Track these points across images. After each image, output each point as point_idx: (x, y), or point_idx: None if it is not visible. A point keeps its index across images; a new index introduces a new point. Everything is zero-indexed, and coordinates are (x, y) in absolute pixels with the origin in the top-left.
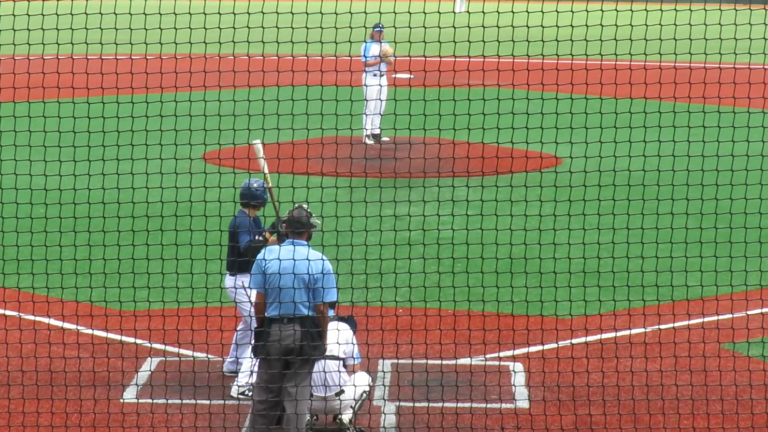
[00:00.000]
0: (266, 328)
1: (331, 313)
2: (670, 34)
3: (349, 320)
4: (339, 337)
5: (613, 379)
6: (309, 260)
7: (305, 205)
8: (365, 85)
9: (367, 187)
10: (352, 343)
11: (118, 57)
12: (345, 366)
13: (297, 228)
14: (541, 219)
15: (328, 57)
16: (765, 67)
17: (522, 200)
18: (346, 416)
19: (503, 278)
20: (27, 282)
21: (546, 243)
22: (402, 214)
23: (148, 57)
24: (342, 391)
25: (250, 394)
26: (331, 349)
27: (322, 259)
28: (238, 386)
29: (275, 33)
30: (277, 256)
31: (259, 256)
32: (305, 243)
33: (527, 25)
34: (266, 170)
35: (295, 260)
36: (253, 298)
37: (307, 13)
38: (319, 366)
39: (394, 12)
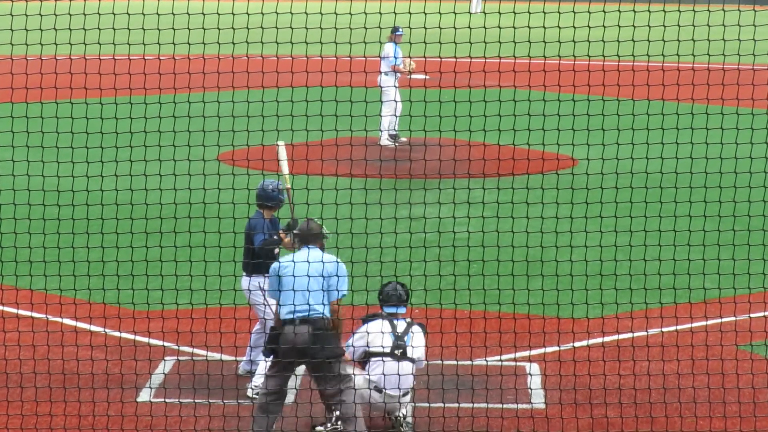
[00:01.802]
0: (280, 329)
1: (401, 309)
2: (687, 35)
3: (420, 325)
4: (414, 340)
5: (630, 380)
6: (324, 262)
7: (315, 219)
8: (382, 86)
9: (383, 188)
10: (426, 345)
11: (131, 57)
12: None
13: (309, 241)
14: (557, 221)
15: (342, 58)
16: None
17: (538, 202)
18: (402, 412)
19: (519, 280)
20: (40, 283)
21: (562, 245)
22: (417, 215)
23: (161, 57)
24: (408, 392)
25: None
26: (413, 352)
27: (336, 261)
28: (253, 387)
29: (289, 33)
30: (291, 259)
31: (274, 265)
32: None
33: (543, 26)
34: (286, 171)
35: (309, 262)
36: (271, 302)
37: (322, 14)
38: (392, 368)
39: (409, 12)
